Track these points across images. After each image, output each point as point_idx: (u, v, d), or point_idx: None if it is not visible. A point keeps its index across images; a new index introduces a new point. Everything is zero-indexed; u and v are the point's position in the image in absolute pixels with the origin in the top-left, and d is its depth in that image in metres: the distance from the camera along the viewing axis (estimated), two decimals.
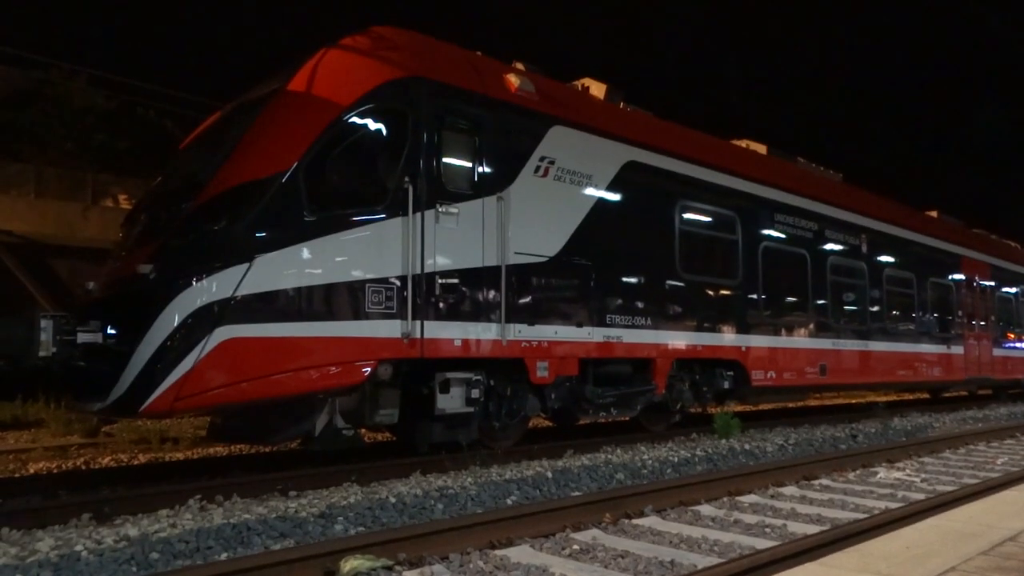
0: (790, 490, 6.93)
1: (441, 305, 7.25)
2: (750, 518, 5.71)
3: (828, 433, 11.15)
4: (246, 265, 6.09)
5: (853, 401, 20.48)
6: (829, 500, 6.48)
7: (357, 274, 6.68)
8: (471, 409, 7.62)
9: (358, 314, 6.67)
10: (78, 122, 23.12)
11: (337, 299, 6.58)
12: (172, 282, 5.96)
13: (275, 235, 6.31)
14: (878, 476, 7.81)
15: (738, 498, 6.48)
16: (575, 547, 4.82)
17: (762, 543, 4.87)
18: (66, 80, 22.72)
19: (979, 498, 5.44)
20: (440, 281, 7.24)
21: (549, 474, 7.00)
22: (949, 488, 6.96)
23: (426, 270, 7.09)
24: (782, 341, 11.78)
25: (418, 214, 7.07)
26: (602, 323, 8.89)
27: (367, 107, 7.03)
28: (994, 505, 4.95)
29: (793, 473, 7.49)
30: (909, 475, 7.86)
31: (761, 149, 13.15)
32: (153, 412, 5.87)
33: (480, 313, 7.61)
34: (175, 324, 5.84)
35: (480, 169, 7.78)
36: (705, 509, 6.02)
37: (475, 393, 7.59)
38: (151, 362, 5.78)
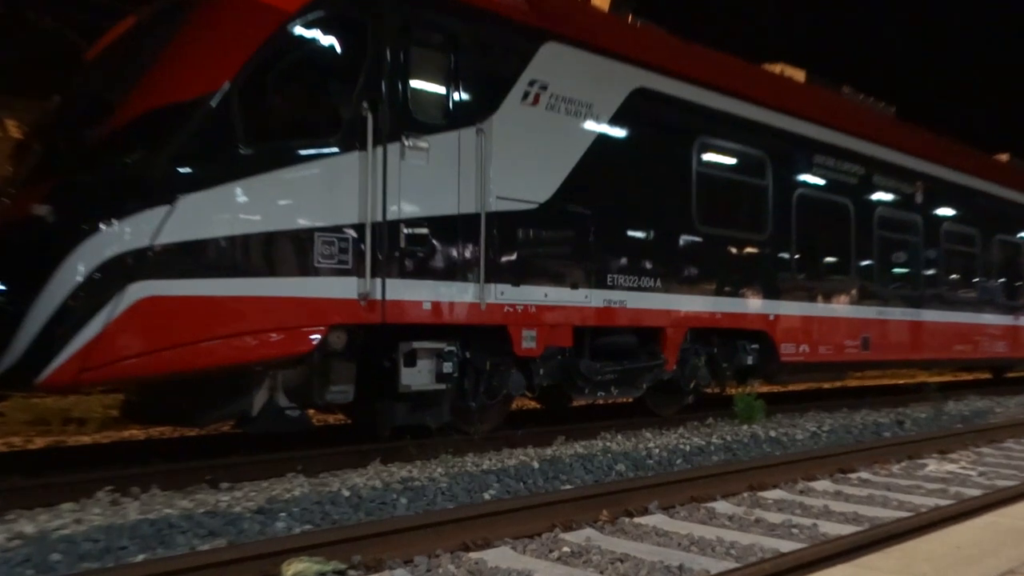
0: (822, 485, 7.06)
1: (407, 260, 7.24)
2: (774, 517, 5.82)
3: (869, 419, 11.34)
4: (167, 207, 6.03)
5: (900, 381, 20.78)
6: (868, 496, 6.61)
7: (304, 221, 6.66)
8: (442, 386, 7.66)
9: (305, 270, 6.66)
10: None
11: (279, 251, 6.55)
12: (75, 227, 5.89)
13: (203, 171, 6.25)
14: (927, 469, 7.97)
15: (761, 493, 6.59)
16: (565, 549, 4.88)
17: (787, 545, 4.97)
18: None
19: None
20: (406, 231, 7.22)
21: (535, 464, 7.08)
22: (1010, 483, 7.10)
23: (389, 217, 7.06)
24: (818, 308, 11.90)
25: (379, 148, 7.02)
26: (602, 284, 8.92)
27: (317, 15, 6.92)
28: None
29: (827, 465, 7.62)
30: (964, 468, 8.02)
31: (799, 76, 13.12)
32: (53, 385, 5.86)
33: (454, 270, 7.61)
34: (80, 279, 5.78)
35: (456, 95, 7.71)
36: (721, 506, 6.13)
37: (447, 367, 7.62)
38: (50, 325, 5.73)
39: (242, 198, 6.38)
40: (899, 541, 4.33)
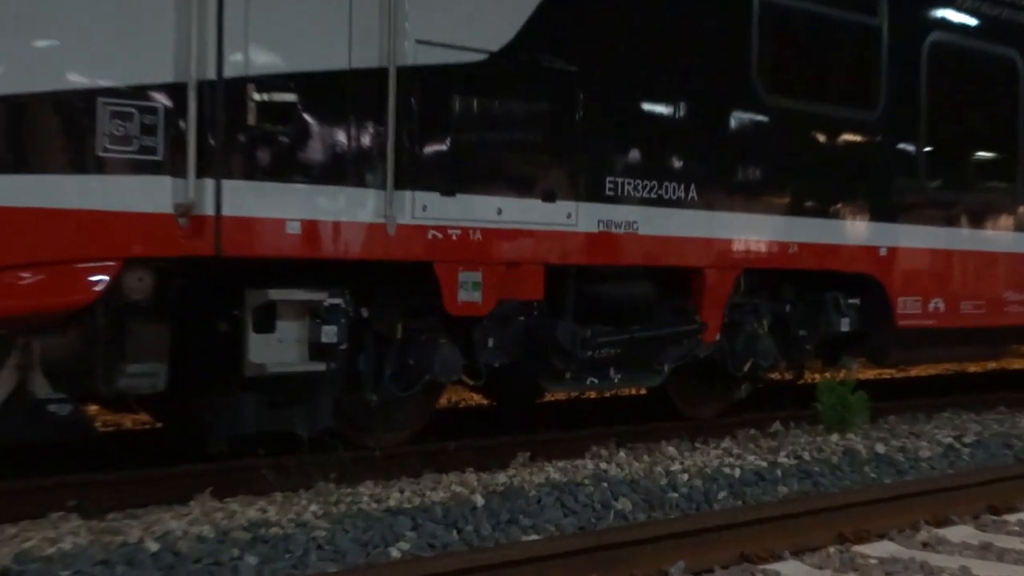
0: (961, 532, 7.18)
1: (260, 149, 7.26)
2: None
3: None
4: None
5: None
6: None
7: (78, 77, 6.63)
8: (321, 366, 7.68)
9: (81, 163, 6.65)
10: None
11: (35, 129, 6.57)
12: None
13: None
14: None
15: (858, 547, 6.69)
16: None
17: None
18: None
19: None
20: (258, 98, 7.20)
21: (478, 499, 7.12)
22: None
23: (228, 73, 7.05)
24: (961, 238, 12.00)
25: None
26: (597, 195, 8.96)
27: None
28: None
29: (969, 500, 7.77)
30: None
31: None
32: None
33: (343, 168, 7.63)
34: None
35: None
36: (791, 569, 6.21)
37: (329, 333, 7.63)
38: None
39: None
40: None
